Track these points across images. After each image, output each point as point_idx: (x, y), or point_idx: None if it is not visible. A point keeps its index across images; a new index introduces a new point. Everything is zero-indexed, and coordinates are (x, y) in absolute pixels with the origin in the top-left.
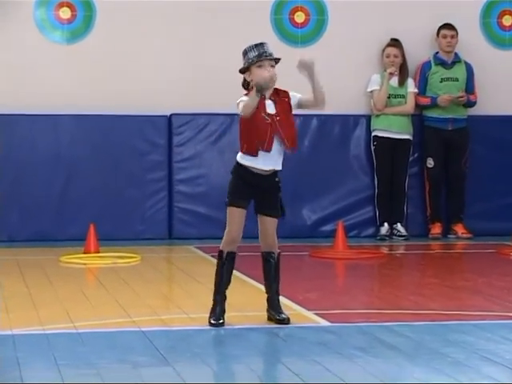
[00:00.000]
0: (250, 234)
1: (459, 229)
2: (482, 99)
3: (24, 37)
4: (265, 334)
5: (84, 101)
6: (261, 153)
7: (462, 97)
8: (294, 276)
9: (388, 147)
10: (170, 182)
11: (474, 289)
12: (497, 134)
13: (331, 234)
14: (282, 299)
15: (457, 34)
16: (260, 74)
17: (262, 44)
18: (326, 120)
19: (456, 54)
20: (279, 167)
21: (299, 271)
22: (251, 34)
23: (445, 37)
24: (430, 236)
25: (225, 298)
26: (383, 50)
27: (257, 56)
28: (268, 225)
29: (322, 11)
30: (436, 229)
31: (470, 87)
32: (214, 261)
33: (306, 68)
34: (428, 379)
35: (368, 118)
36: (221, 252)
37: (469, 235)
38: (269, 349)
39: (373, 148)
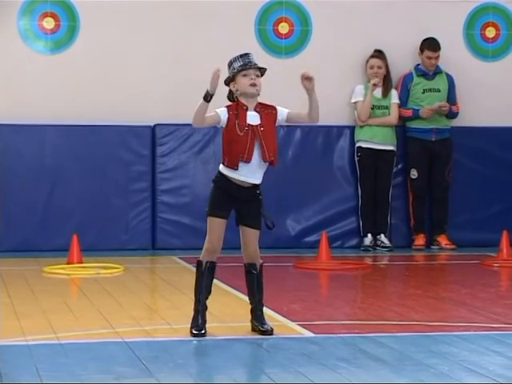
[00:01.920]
0: (233, 244)
1: (442, 240)
2: (464, 110)
3: (8, 47)
4: (248, 345)
5: (68, 111)
6: (241, 165)
7: (444, 106)
8: (278, 287)
9: (372, 158)
10: (153, 193)
11: (457, 300)
12: (480, 145)
13: (315, 245)
14: (265, 310)
15: (440, 51)
16: (244, 82)
17: (246, 54)
18: (310, 131)
19: (437, 65)
20: (259, 181)
21: (283, 282)
22: (235, 44)
23: (429, 58)
24: (414, 247)
25: (205, 308)
26: (367, 61)
27: (242, 65)
28: (249, 236)
29: (305, 22)
30: (419, 240)
31: (451, 98)
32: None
33: (309, 81)
34: None
35: (352, 128)
36: (200, 262)
37: (452, 246)
38: (252, 360)
39: (357, 159)
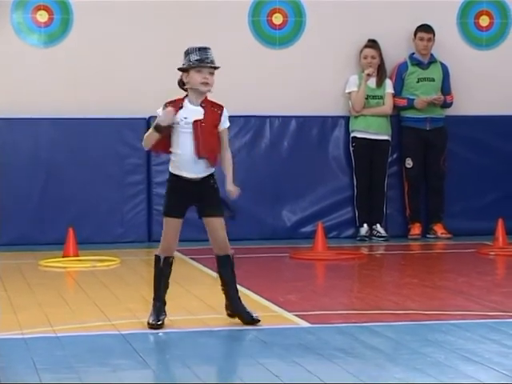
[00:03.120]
0: (231, 236)
1: (439, 229)
2: (459, 99)
3: (1, 40)
4: (244, 336)
5: (62, 104)
6: (178, 158)
7: (438, 99)
8: (274, 277)
9: (367, 148)
10: (148, 185)
11: (453, 288)
12: (474, 133)
13: (311, 235)
14: (262, 301)
15: (434, 36)
16: (196, 79)
17: (205, 49)
18: (305, 121)
19: (431, 54)
20: (203, 174)
21: (279, 273)
22: (229, 36)
23: (422, 39)
24: (410, 237)
25: (165, 303)
26: (361, 51)
27: (198, 60)
28: (214, 225)
29: (299, 13)
30: (415, 229)
31: (446, 88)
32: (194, 263)
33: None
34: (408, 379)
35: (347, 118)
36: (157, 257)
37: (448, 235)
38: (249, 350)
39: (351, 149)
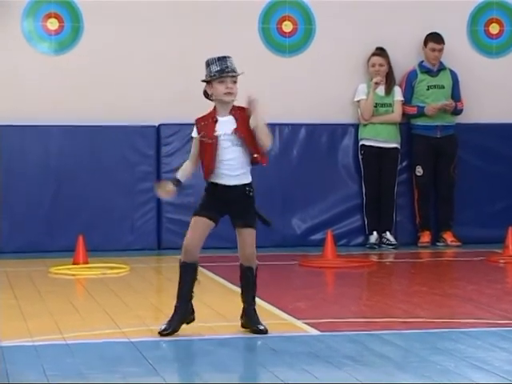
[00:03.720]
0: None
1: (448, 237)
2: (469, 107)
3: (12, 48)
4: (254, 344)
5: (72, 111)
6: (222, 171)
7: (449, 105)
8: (284, 285)
9: (376, 156)
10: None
11: (463, 296)
12: (484, 141)
13: (320, 243)
14: (271, 308)
15: (444, 45)
16: (220, 89)
17: (225, 58)
18: (314, 129)
19: (440, 61)
20: (245, 181)
21: (289, 280)
22: (239, 43)
23: (433, 50)
24: (419, 244)
25: (187, 307)
26: (368, 60)
27: (219, 71)
28: (244, 236)
29: (309, 20)
30: (425, 237)
31: (456, 94)
32: (205, 271)
33: (251, 106)
34: None
35: (356, 126)
36: (180, 262)
37: (458, 243)
38: (258, 358)
39: (360, 157)
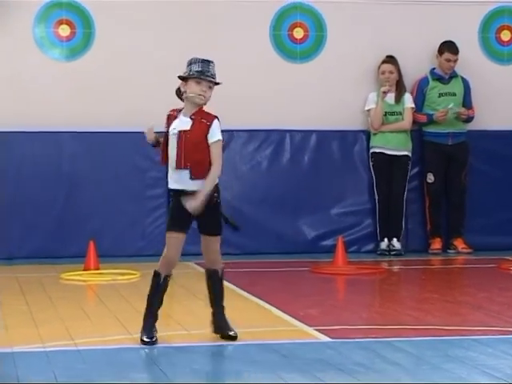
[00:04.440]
0: (247, 250)
1: (459, 244)
2: (480, 114)
3: (23, 54)
4: (265, 350)
5: (83, 118)
6: (174, 173)
7: (463, 113)
8: (295, 292)
9: (386, 163)
10: (169, 199)
11: (474, 304)
12: (496, 148)
13: (331, 250)
14: (282, 315)
15: (458, 55)
16: (194, 89)
17: (208, 62)
18: (325, 135)
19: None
20: (195, 187)
21: (299, 287)
22: (250, 49)
23: (448, 61)
24: (430, 251)
25: (157, 318)
26: (379, 67)
27: (199, 72)
28: (208, 243)
29: (320, 27)
30: (436, 244)
31: (467, 102)
32: None
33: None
34: None
35: (367, 133)
36: (157, 273)
37: (469, 250)
38: (270, 364)
39: (371, 164)
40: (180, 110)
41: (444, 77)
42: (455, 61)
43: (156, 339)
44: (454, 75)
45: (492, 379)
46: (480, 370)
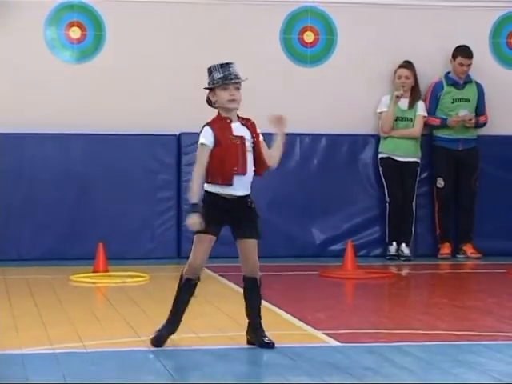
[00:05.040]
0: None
1: (468, 249)
2: (491, 119)
3: (34, 56)
4: (274, 354)
5: (94, 120)
6: (236, 179)
7: (470, 119)
8: (303, 295)
9: (395, 169)
10: (178, 201)
11: (484, 309)
12: (506, 153)
13: (340, 254)
14: (291, 318)
15: (472, 59)
16: (223, 97)
17: (228, 64)
18: (335, 139)
19: (467, 74)
20: (247, 192)
21: (308, 290)
22: (261, 53)
23: (461, 65)
24: (439, 256)
25: (178, 322)
26: (395, 72)
27: (222, 78)
28: (247, 247)
29: (331, 31)
30: (445, 249)
31: (480, 108)
32: (223, 280)
33: (281, 124)
34: None
35: (377, 137)
36: (184, 279)
37: (478, 255)
38: (278, 368)
39: (381, 169)
40: (217, 120)
41: (458, 82)
42: (469, 65)
43: (161, 345)
44: (468, 80)
45: None
46: (489, 375)
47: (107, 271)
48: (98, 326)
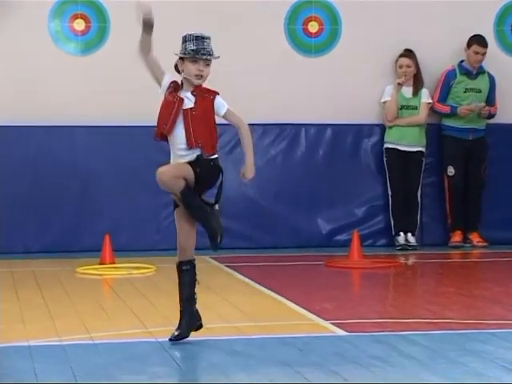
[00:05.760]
0: (262, 244)
1: (474, 237)
2: (499, 108)
3: (39, 48)
4: (281, 344)
5: (98, 112)
6: (182, 151)
7: (485, 110)
8: (310, 286)
9: (399, 159)
10: None
11: (491, 298)
12: None
13: (346, 244)
14: (298, 309)
15: (487, 49)
16: (191, 69)
17: (203, 38)
18: (340, 129)
19: (481, 65)
20: (197, 156)
21: (315, 281)
22: (265, 43)
23: (476, 53)
24: (451, 244)
25: (192, 311)
26: (396, 61)
27: (194, 51)
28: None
29: (335, 21)
30: (456, 237)
31: (491, 99)
32: (230, 271)
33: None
34: None
35: (382, 127)
36: (176, 263)
37: (484, 244)
38: (286, 359)
39: (385, 160)
40: (175, 83)
41: (472, 72)
42: (483, 54)
43: (181, 336)
44: (481, 71)
45: (509, 373)
46: (497, 363)
47: (113, 263)
48: (104, 317)
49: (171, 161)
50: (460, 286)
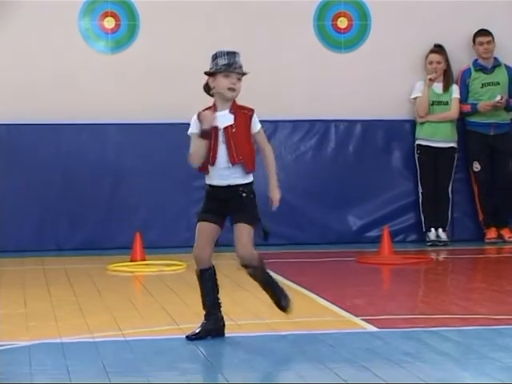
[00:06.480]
0: (292, 240)
1: (506, 233)
2: None
3: (69, 46)
4: (312, 340)
5: (129, 109)
6: (212, 169)
7: (500, 101)
8: (341, 282)
9: (432, 156)
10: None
11: None
12: None
13: (377, 240)
14: (328, 305)
15: (493, 39)
16: (223, 83)
17: (234, 53)
18: (370, 125)
19: (495, 58)
20: (239, 181)
21: (346, 277)
22: (294, 40)
23: (481, 44)
24: (487, 240)
25: (216, 317)
26: (426, 57)
27: (226, 65)
28: (235, 230)
29: (365, 16)
30: (491, 233)
31: (511, 90)
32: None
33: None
34: None
35: (412, 122)
36: (196, 272)
37: None
38: (317, 355)
39: (417, 156)
40: (209, 108)
41: (486, 66)
42: (488, 42)
43: (197, 337)
44: (497, 64)
45: None
46: None
47: (144, 260)
48: (136, 314)
49: (206, 181)
50: (491, 281)
